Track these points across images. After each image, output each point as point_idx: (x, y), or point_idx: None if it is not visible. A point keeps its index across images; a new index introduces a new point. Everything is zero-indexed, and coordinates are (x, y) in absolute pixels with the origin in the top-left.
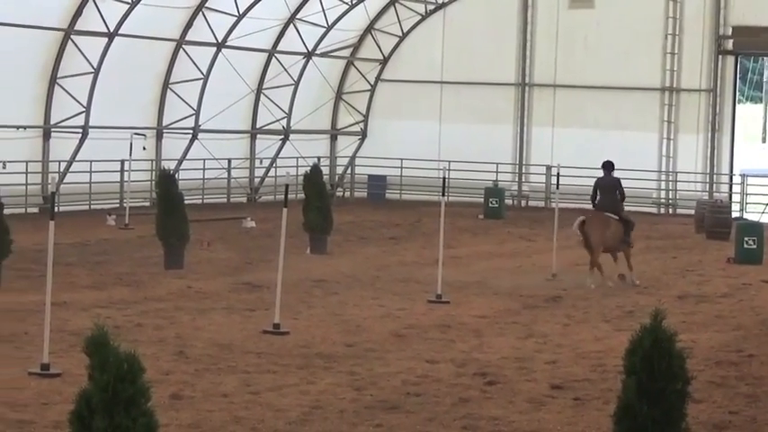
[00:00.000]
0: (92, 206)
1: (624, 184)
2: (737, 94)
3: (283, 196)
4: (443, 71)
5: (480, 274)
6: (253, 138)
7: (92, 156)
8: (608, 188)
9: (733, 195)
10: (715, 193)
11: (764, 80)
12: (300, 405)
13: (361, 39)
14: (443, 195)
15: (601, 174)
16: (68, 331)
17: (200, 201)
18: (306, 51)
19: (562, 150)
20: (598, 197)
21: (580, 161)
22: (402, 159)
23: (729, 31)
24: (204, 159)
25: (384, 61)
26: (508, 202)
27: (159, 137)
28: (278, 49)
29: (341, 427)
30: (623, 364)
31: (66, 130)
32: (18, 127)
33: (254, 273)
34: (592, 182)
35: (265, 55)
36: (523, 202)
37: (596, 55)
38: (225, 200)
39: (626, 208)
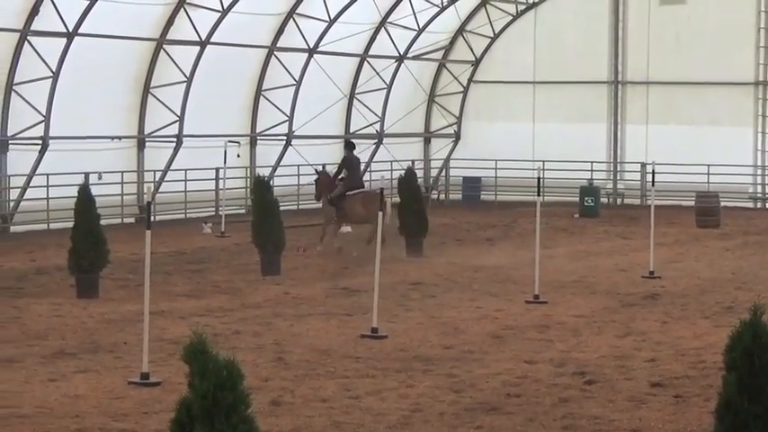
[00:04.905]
0: (187, 215)
1: (719, 179)
2: None
3: (378, 200)
4: (536, 71)
5: (577, 273)
6: None
7: (186, 164)
8: (357, 166)
9: None
10: None
11: None
12: (400, 409)
13: (453, 41)
14: (538, 195)
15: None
16: (167, 340)
17: (296, 207)
18: (397, 55)
19: (656, 147)
20: (347, 174)
21: (675, 158)
22: (496, 160)
23: None
24: (298, 165)
25: (476, 63)
26: (603, 200)
27: (253, 144)
28: (369, 53)
29: (441, 429)
30: (723, 360)
31: (160, 140)
32: (113, 137)
33: (351, 277)
34: (688, 178)
35: (357, 59)
36: (619, 200)
37: (688, 51)
38: (320, 205)
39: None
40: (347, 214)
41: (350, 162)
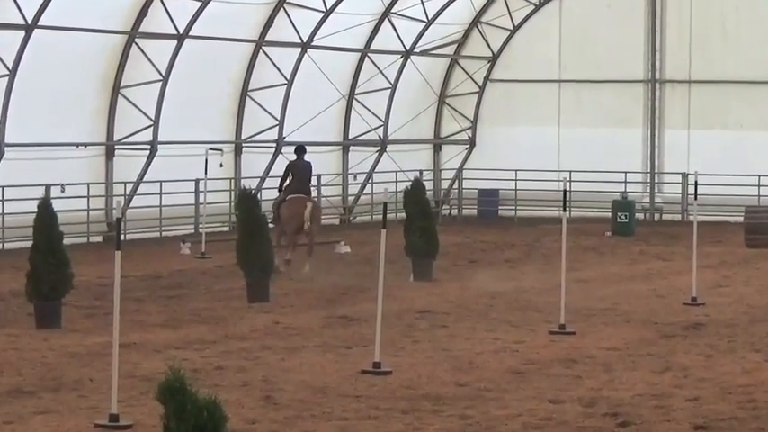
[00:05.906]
0: (163, 233)
1: None
2: None
3: (381, 216)
4: (561, 68)
5: (609, 299)
6: (345, 150)
7: (162, 175)
8: (302, 172)
9: None
10: None
11: None
12: None
13: (467, 34)
14: (565, 210)
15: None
16: (139, 376)
17: None
18: (403, 50)
19: (700, 155)
20: (291, 180)
21: (720, 168)
22: (516, 170)
23: None
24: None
25: (493, 59)
26: (639, 216)
27: (238, 152)
28: (371, 48)
29: None
30: None
31: (131, 147)
32: (78, 145)
33: (351, 305)
34: (735, 191)
35: (357, 55)
36: (657, 216)
37: (736, 45)
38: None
39: None
40: (280, 219)
41: (294, 167)
